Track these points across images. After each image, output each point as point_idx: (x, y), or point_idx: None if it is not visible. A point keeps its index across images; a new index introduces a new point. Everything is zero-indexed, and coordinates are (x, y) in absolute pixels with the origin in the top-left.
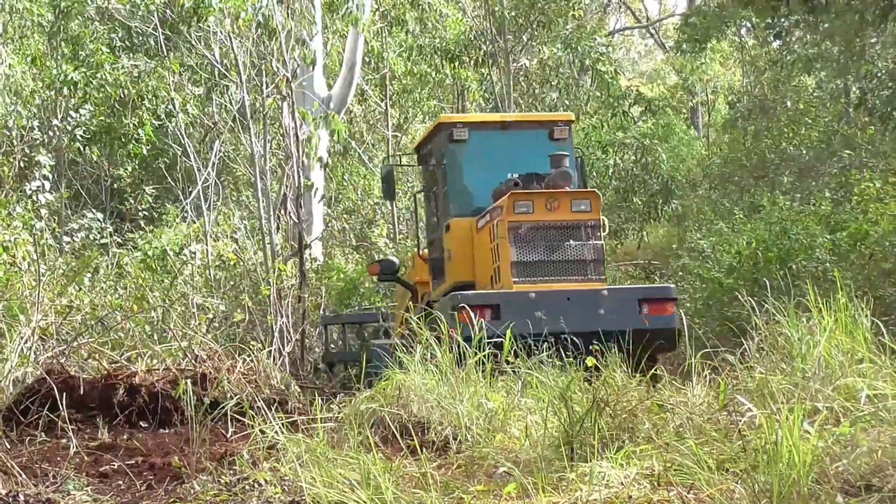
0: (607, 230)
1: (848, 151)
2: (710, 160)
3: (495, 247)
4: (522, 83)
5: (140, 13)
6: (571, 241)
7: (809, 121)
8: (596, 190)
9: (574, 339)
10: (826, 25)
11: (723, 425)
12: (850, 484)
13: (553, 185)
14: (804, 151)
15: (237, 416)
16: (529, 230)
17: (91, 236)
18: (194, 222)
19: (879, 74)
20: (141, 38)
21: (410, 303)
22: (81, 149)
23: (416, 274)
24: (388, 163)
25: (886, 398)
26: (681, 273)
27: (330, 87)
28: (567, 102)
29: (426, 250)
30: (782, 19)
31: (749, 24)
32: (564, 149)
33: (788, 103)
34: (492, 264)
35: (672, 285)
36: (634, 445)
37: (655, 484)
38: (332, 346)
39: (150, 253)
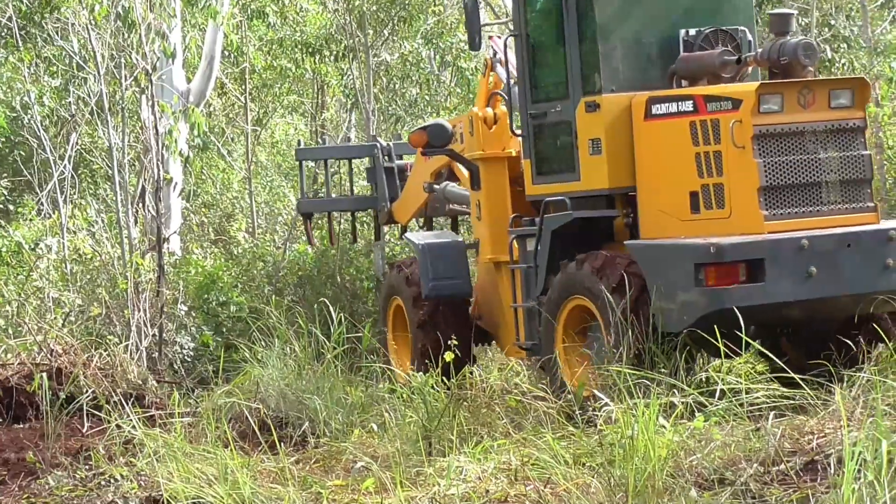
0: (872, 135)
1: None
2: None
3: (715, 156)
4: (383, 78)
5: None
6: (832, 153)
7: None
8: (863, 76)
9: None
10: None
11: (580, 420)
12: (704, 478)
13: (789, 65)
14: None
15: (93, 411)
16: (783, 138)
17: None
18: (50, 216)
19: None
20: None
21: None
22: None
23: (479, 145)
24: None
25: (740, 393)
26: None
27: (189, 80)
28: (427, 98)
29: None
30: None
31: None
32: None
33: None
34: (697, 178)
35: None
36: (492, 440)
37: (513, 478)
38: (309, 193)
39: (2, 248)
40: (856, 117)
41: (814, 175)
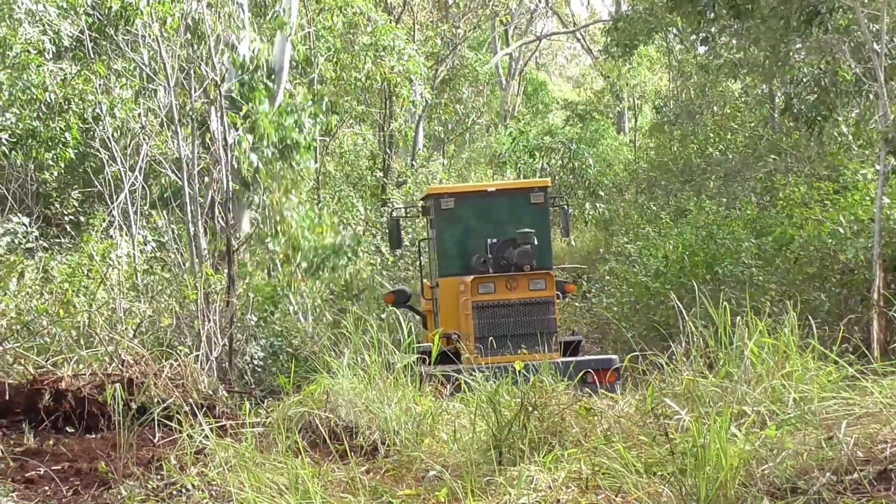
0: (562, 305)
1: (773, 156)
2: (637, 164)
3: (466, 317)
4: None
5: (70, 17)
6: (528, 317)
7: (735, 125)
8: (551, 271)
9: None
10: (752, 31)
11: (650, 428)
12: (776, 487)
13: (516, 264)
14: (730, 156)
15: (164, 421)
16: (491, 308)
17: (17, 241)
18: (121, 227)
19: (804, 80)
20: (71, 42)
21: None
22: (7, 153)
23: (426, 304)
24: (394, 214)
25: (812, 401)
26: (608, 277)
27: None
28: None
29: (428, 284)
30: (709, 25)
31: (676, 30)
32: (542, 212)
33: (715, 108)
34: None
35: (615, 356)
36: (562, 449)
37: (583, 487)
38: None
39: (74, 259)
40: (547, 295)
41: (519, 329)
